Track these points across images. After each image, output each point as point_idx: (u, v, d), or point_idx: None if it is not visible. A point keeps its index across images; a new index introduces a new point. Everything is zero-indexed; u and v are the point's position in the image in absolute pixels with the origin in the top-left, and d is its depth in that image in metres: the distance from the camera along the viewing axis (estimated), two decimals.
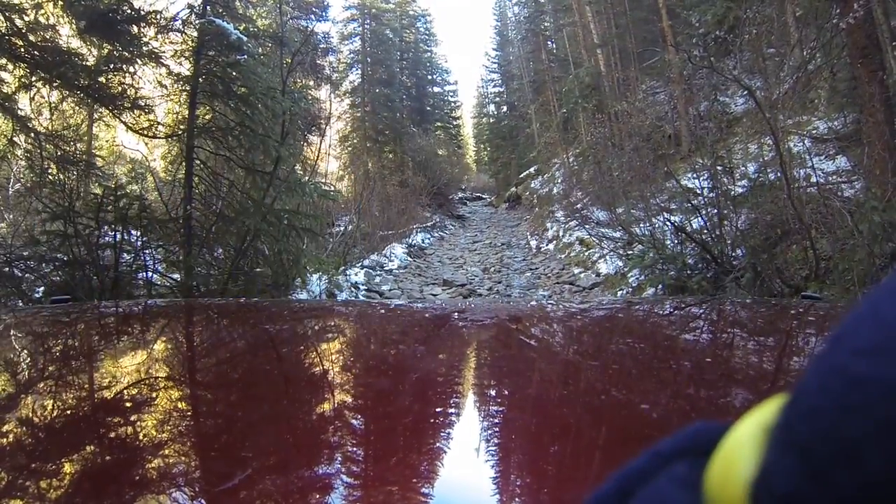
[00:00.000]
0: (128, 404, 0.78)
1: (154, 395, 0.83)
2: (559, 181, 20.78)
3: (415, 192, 18.70)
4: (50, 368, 1.00)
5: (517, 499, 0.57)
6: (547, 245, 13.04)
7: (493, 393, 0.91)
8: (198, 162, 5.69)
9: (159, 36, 5.82)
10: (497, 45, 35.97)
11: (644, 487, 0.20)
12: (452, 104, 37.10)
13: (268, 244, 5.64)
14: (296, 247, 6.05)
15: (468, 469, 0.60)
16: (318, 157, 22.62)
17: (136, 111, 5.86)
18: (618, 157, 14.54)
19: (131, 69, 5.80)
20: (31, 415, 0.74)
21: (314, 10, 22.03)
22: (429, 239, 15.89)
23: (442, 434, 0.71)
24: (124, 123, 5.95)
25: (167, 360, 1.08)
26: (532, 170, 25.45)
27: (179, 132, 5.83)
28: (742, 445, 0.18)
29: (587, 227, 11.40)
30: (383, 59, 24.17)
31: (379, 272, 10.28)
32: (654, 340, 1.25)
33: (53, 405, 0.78)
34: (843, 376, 0.15)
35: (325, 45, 22.78)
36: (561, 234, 12.70)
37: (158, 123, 6.07)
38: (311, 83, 22.69)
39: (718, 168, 8.73)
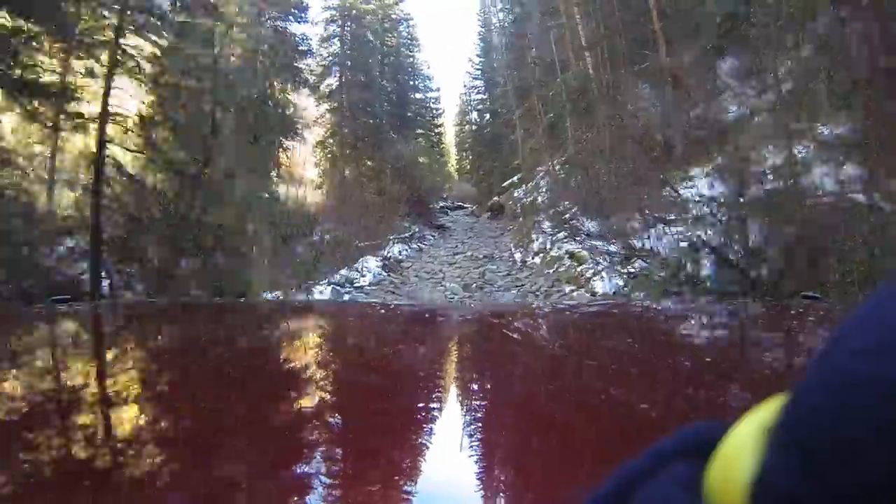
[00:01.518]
0: (124, 404, 0.79)
1: (143, 393, 0.85)
2: (543, 190, 20.01)
3: (393, 200, 17.71)
4: (40, 366, 1.02)
5: (516, 499, 0.58)
6: (533, 258, 12.10)
7: (492, 393, 0.91)
8: (111, 160, 4.63)
9: None
10: (481, 51, 35.29)
11: (644, 487, 0.20)
12: (434, 111, 36.28)
13: (200, 259, 4.60)
14: (244, 261, 5.06)
15: (468, 469, 0.61)
16: (288, 164, 21.63)
17: (41, 97, 4.80)
18: (607, 163, 13.76)
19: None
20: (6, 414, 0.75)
21: (293, 10, 21.09)
22: (406, 251, 14.89)
23: (442, 434, 0.70)
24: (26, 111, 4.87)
25: (160, 359, 1.12)
26: (515, 178, 24.73)
27: (89, 121, 4.78)
28: (742, 445, 0.18)
29: (577, 239, 10.51)
30: (363, 62, 23.19)
31: (348, 289, 9.26)
32: (654, 341, 1.26)
33: (44, 402, 0.80)
34: (844, 376, 0.15)
35: (305, 48, 21.82)
36: (548, 246, 11.79)
37: (69, 113, 5.00)
38: (289, 87, 21.71)
39: (731, 174, 7.98)
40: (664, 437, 0.22)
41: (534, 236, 13.95)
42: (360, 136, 21.38)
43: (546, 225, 14.13)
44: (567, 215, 12.40)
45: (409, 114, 29.80)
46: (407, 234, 16.44)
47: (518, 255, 13.08)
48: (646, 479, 0.20)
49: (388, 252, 13.29)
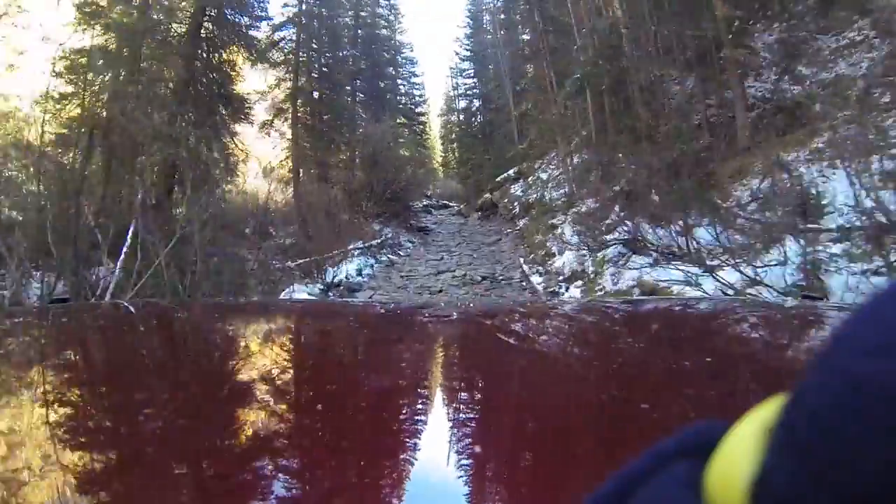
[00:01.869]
0: (123, 406, 0.79)
1: (151, 396, 0.84)
2: (551, 185, 15.90)
3: (359, 196, 13.32)
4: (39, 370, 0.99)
5: (516, 499, 0.57)
6: (566, 289, 7.54)
7: (491, 394, 0.90)
8: None
9: None
10: (471, 29, 30.97)
11: (644, 487, 0.20)
12: (418, 99, 31.85)
13: None
14: None
15: (465, 469, 0.60)
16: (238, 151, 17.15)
17: None
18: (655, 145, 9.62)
19: None
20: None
21: None
22: (369, 267, 10.48)
23: (436, 435, 0.70)
24: None
25: (160, 360, 1.10)
26: (511, 172, 21.18)
27: None
28: (742, 445, 0.18)
29: (644, 256, 6.24)
30: (328, 24, 18.64)
31: None
32: (655, 340, 1.26)
33: (48, 406, 0.78)
34: (845, 377, 0.15)
35: (260, 12, 17.31)
36: (589, 267, 7.47)
37: None
38: (239, 59, 17.27)
39: None
40: (665, 438, 0.21)
41: (553, 248, 9.68)
42: (320, 112, 16.87)
43: (568, 231, 9.87)
44: (611, 218, 8.13)
45: (388, 95, 25.25)
46: (376, 242, 12.07)
47: (537, 280, 8.55)
48: (646, 479, 0.20)
49: (338, 274, 8.85)
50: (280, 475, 0.59)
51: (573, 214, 10.75)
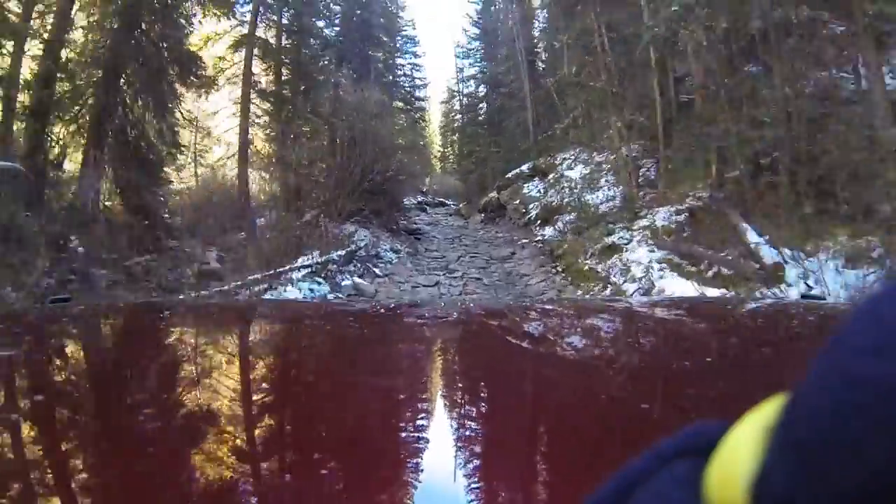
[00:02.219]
0: (128, 406, 0.77)
1: (159, 395, 0.82)
2: (581, 184, 12.09)
3: (323, 185, 9.26)
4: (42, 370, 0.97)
5: (515, 500, 0.57)
6: None
7: (488, 394, 0.88)
8: None
9: None
10: (481, 4, 27.07)
11: (644, 487, 0.20)
12: (417, 81, 27.96)
13: None
14: None
15: (464, 469, 0.60)
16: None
17: None
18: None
19: None
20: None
21: None
22: (319, 297, 6.42)
23: (438, 435, 0.68)
24: None
25: (166, 359, 1.08)
26: (525, 168, 17.93)
27: None
28: (742, 445, 0.18)
29: None
30: None
31: None
32: (655, 340, 1.24)
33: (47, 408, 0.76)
34: (844, 376, 0.15)
35: None
36: None
37: None
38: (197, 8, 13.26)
39: None
40: (665, 438, 0.21)
41: (628, 288, 5.72)
42: (291, 77, 12.75)
43: (653, 256, 5.92)
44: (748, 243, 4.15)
45: (379, 65, 21.11)
46: (338, 255, 8.02)
47: None
48: (646, 479, 0.20)
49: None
50: (282, 481, 0.57)
51: (651, 231, 6.74)
